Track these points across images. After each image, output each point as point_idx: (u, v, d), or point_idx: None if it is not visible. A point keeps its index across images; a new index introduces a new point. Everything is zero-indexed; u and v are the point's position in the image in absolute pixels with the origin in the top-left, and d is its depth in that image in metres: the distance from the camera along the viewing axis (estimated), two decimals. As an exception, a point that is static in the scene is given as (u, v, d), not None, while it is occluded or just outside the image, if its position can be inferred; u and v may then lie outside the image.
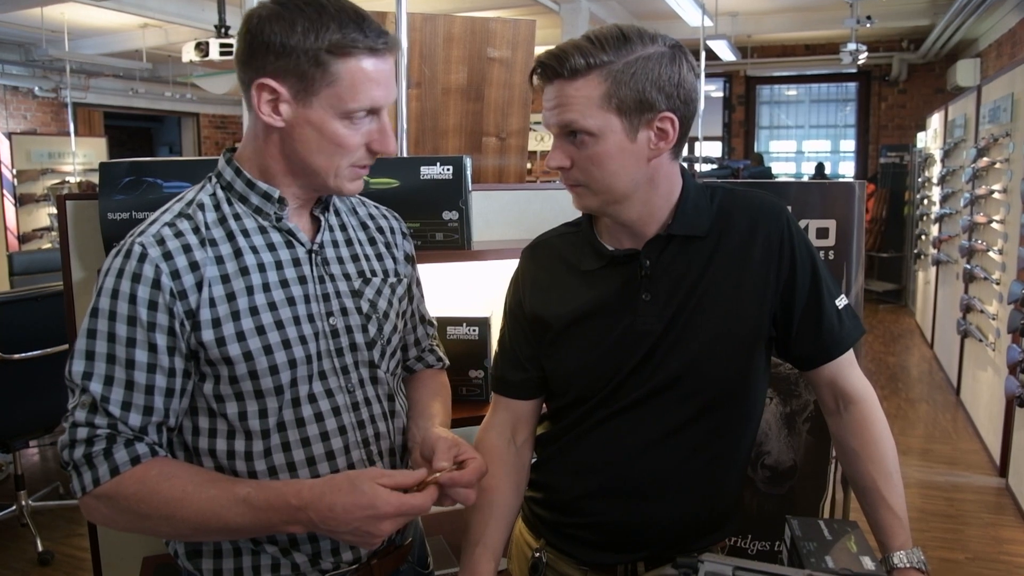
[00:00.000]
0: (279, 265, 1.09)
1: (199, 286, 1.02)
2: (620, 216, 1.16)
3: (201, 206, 1.08)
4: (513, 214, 2.13)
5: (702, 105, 7.07)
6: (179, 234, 1.04)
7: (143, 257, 1.00)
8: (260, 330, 1.04)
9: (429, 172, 1.77)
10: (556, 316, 1.20)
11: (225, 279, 1.04)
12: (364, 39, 1.01)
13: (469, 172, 1.79)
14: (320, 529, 0.97)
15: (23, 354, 3.00)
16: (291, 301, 1.08)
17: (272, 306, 1.06)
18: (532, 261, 1.29)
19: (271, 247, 1.09)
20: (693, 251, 1.16)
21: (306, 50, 0.99)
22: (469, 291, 2.06)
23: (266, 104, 1.03)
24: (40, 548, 3.09)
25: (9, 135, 7.65)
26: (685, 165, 1.31)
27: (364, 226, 1.24)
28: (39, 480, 3.79)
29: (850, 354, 1.23)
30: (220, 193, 1.09)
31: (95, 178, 1.71)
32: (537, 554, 1.27)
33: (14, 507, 3.30)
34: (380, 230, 1.25)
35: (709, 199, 1.19)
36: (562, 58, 1.07)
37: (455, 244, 1.78)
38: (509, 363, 1.28)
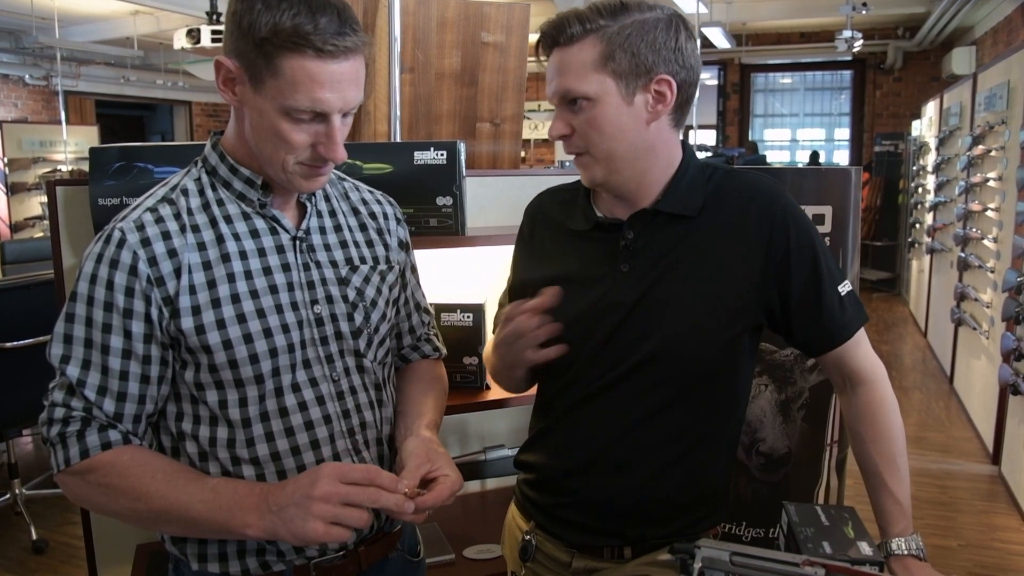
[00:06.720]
0: (262, 252, 1.06)
1: (177, 273, 1.01)
2: (621, 187, 1.15)
3: (185, 191, 1.06)
4: (507, 200, 2.12)
5: (696, 91, 7.05)
6: (159, 220, 1.02)
7: (121, 243, 0.99)
8: (240, 318, 1.03)
9: (423, 157, 1.76)
10: (539, 278, 1.19)
11: (207, 266, 1.02)
12: (313, 34, 0.93)
13: (463, 157, 1.78)
14: (268, 519, 0.95)
15: (15, 342, 2.98)
16: (273, 289, 1.06)
17: (254, 294, 1.04)
18: (527, 217, 1.33)
19: (254, 234, 1.07)
20: (680, 229, 1.15)
21: (255, 35, 0.95)
22: (463, 277, 2.05)
23: (223, 81, 1.00)
24: (34, 536, 3.08)
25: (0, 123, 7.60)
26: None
27: (355, 212, 1.21)
28: (33, 468, 3.78)
29: (859, 334, 1.19)
30: (205, 178, 1.07)
31: (87, 167, 1.70)
32: (527, 537, 1.27)
33: (8, 495, 3.30)
34: (372, 216, 1.23)
35: (706, 179, 1.17)
36: (560, 26, 1.08)
37: (449, 230, 1.77)
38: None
